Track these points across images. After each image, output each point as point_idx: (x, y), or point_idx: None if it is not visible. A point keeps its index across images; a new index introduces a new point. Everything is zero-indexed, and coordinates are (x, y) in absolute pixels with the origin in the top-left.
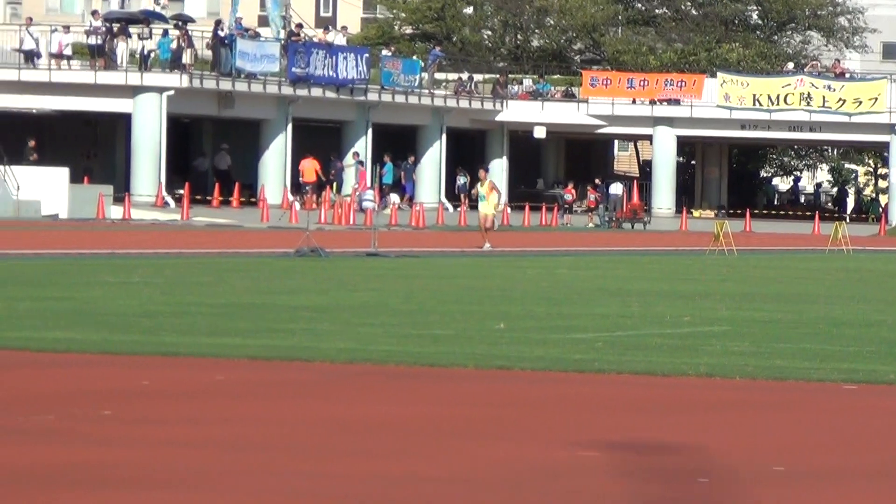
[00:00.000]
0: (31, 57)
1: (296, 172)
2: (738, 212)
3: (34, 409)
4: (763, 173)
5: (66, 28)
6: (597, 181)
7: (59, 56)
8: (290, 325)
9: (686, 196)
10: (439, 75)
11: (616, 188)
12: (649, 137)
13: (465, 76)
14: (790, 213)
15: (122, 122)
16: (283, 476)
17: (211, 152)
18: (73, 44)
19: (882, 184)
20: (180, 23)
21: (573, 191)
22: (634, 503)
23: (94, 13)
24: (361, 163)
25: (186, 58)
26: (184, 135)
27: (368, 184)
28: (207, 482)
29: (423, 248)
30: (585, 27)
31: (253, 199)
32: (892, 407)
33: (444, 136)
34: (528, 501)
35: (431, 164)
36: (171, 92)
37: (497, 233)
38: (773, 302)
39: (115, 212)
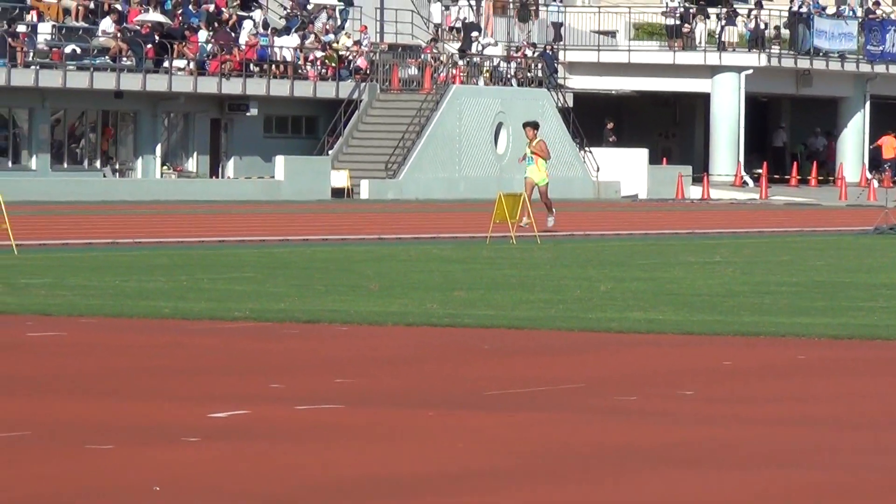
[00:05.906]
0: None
1: (874, 150)
2: None
3: (618, 391)
4: None
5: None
6: None
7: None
8: (869, 304)
9: None
10: None
11: None
12: None
13: None
14: None
15: (700, 102)
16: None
17: (789, 131)
18: (647, 24)
19: None
20: (760, 1)
21: None
22: None
23: None
24: None
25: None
26: (761, 113)
27: None
28: (815, 460)
29: None
30: None
31: (830, 178)
32: None
33: None
34: None
35: None
36: (750, 71)
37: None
38: None
39: (694, 192)
